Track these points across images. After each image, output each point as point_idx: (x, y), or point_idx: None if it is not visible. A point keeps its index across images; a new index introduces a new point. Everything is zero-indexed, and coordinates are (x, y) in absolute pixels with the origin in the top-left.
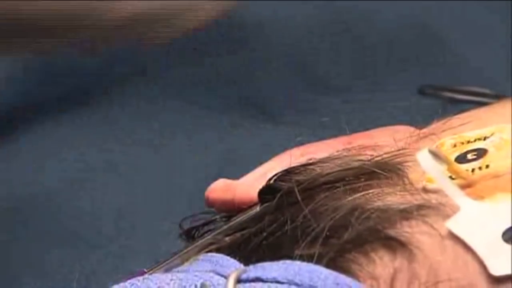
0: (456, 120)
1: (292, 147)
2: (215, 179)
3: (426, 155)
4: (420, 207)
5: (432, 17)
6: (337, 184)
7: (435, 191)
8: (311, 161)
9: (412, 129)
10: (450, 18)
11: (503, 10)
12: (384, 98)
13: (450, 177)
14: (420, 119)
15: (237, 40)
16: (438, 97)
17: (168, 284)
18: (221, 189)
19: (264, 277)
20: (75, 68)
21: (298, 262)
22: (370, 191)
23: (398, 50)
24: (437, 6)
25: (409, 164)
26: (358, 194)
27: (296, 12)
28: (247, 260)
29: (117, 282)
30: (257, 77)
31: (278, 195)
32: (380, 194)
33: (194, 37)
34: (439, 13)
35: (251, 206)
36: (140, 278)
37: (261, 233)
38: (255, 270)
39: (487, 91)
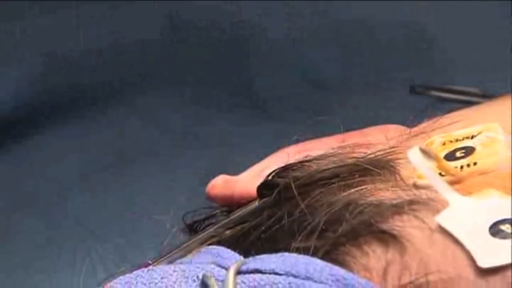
0: (446, 119)
1: (289, 144)
2: (216, 175)
3: (417, 152)
4: (411, 202)
5: (423, 17)
6: (332, 180)
7: (425, 187)
8: (307, 158)
9: (403, 127)
10: (441, 18)
11: (494, 10)
12: (376, 98)
13: (440, 174)
14: (411, 118)
15: (237, 40)
16: (428, 96)
17: (171, 275)
18: (221, 185)
19: (262, 268)
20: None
21: (295, 255)
22: (364, 187)
23: (390, 50)
24: (428, 7)
25: (401, 161)
26: (352, 190)
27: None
28: (246, 252)
29: (123, 273)
30: (256, 76)
31: (276, 190)
32: (373, 190)
33: (194, 37)
34: (430, 13)
35: (250, 201)
36: (145, 269)
37: (260, 227)
38: (254, 262)
39: (475, 90)
